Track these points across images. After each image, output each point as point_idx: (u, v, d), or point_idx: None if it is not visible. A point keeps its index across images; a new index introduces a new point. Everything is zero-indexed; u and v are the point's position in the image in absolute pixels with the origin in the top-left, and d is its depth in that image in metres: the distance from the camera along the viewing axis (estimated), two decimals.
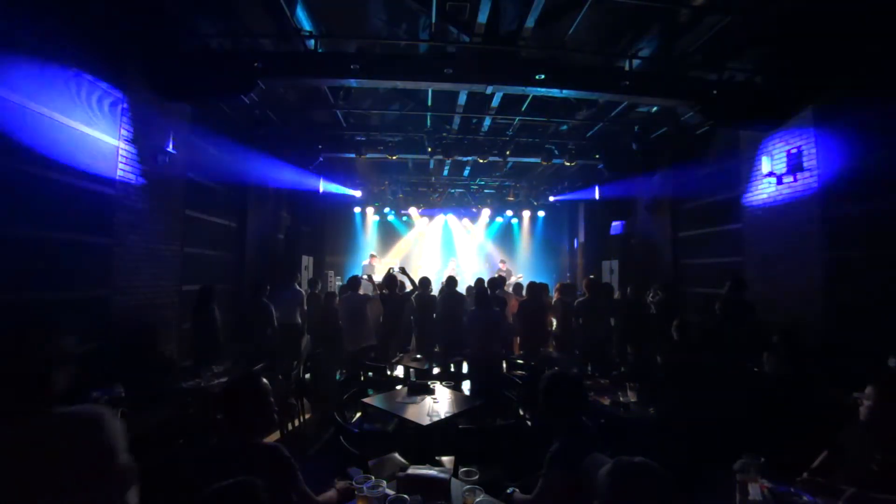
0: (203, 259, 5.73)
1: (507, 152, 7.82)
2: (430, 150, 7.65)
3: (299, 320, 6.18)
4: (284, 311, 5.83)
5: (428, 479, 2.10)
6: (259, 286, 5.16)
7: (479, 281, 6.47)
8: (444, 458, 3.08)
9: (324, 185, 9.05)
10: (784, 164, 4.93)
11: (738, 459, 2.11)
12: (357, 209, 11.99)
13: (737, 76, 5.13)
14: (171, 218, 4.94)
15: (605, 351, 5.44)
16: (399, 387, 4.18)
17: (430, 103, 6.62)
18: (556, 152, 7.96)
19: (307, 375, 5.12)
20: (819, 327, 4.42)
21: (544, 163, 7.94)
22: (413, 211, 12.50)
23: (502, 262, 11.21)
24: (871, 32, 3.94)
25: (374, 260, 10.64)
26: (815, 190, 4.60)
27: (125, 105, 4.16)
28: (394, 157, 7.90)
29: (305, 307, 6.36)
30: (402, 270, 6.44)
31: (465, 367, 5.54)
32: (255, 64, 4.48)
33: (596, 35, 4.98)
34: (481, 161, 8.14)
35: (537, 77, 4.75)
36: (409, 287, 6.16)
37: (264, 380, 1.93)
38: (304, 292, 6.49)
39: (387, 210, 12.28)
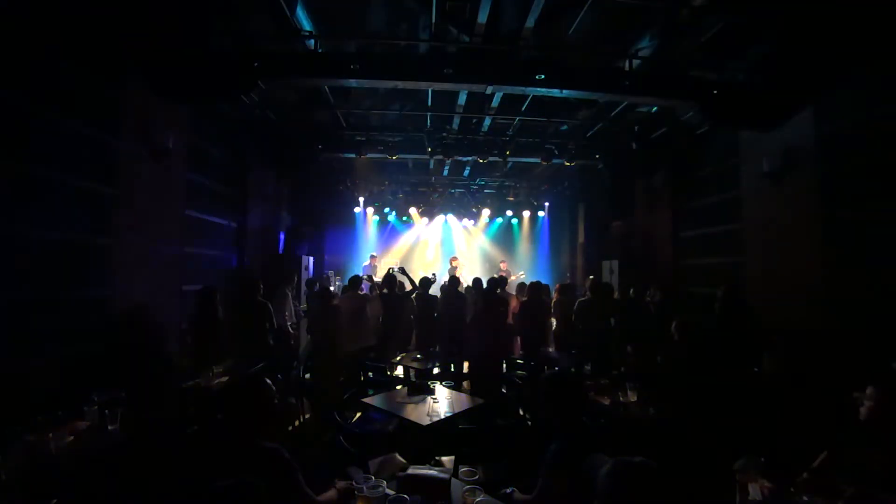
0: (203, 259, 5.73)
1: (507, 152, 7.82)
2: (430, 150, 7.66)
3: (288, 322, 6.19)
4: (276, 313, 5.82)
5: (428, 479, 2.10)
6: (253, 285, 5.15)
7: (480, 280, 6.47)
8: (444, 458, 3.08)
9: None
10: (784, 164, 4.92)
11: (738, 459, 2.11)
12: (357, 209, 11.99)
13: (737, 76, 5.13)
14: (171, 218, 4.94)
15: (605, 351, 5.44)
16: (399, 387, 4.18)
17: (430, 103, 6.62)
18: (556, 152, 7.95)
19: (307, 375, 5.11)
20: (819, 327, 4.42)
21: (544, 163, 7.94)
22: (413, 211, 12.50)
23: (502, 262, 11.22)
24: (871, 32, 3.93)
25: (374, 261, 10.64)
26: (815, 190, 4.60)
27: (125, 105, 4.16)
28: (394, 157, 7.91)
29: (292, 308, 6.38)
30: (402, 270, 6.45)
31: (465, 367, 5.54)
32: (255, 64, 4.47)
33: (596, 35, 4.98)
34: (481, 161, 8.14)
35: (537, 77, 4.75)
36: (408, 287, 6.17)
37: (268, 381, 1.93)
38: (288, 293, 6.50)
39: (387, 210, 12.29)
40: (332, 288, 7.45)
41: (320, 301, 5.46)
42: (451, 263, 10.71)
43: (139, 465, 2.76)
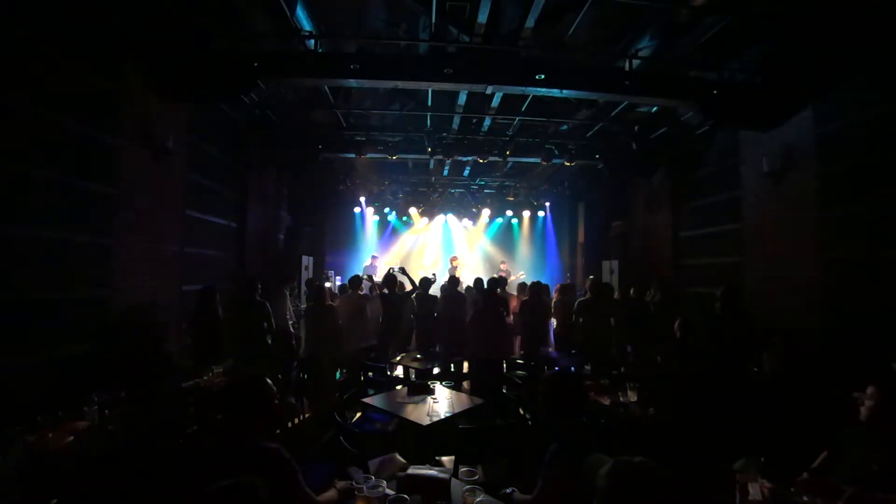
0: (203, 259, 5.72)
1: (507, 152, 7.82)
2: (430, 150, 7.65)
3: (290, 322, 6.19)
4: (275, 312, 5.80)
5: (428, 479, 2.10)
6: (250, 285, 5.13)
7: (480, 281, 6.47)
8: (444, 458, 3.08)
9: None
10: (784, 164, 4.92)
11: (738, 459, 2.11)
12: (357, 209, 12.00)
13: (737, 76, 5.13)
14: (171, 218, 4.94)
15: (605, 351, 5.44)
16: (399, 387, 4.18)
17: (430, 103, 6.62)
18: (556, 152, 7.95)
19: (305, 375, 5.10)
20: (819, 327, 4.42)
21: (544, 163, 7.94)
22: (413, 211, 12.51)
23: (502, 262, 11.22)
24: (870, 32, 3.93)
25: (375, 261, 10.63)
26: (814, 189, 4.60)
27: (125, 105, 4.16)
28: (394, 158, 7.90)
29: (290, 308, 6.38)
30: (402, 270, 6.45)
31: (465, 367, 5.54)
32: (255, 64, 4.47)
33: (596, 35, 4.98)
34: (481, 161, 8.14)
35: (537, 77, 4.75)
36: (408, 287, 6.17)
37: (269, 381, 1.93)
38: (286, 293, 6.49)
39: (387, 210, 12.29)
40: (328, 285, 7.45)
41: (318, 301, 5.46)
42: (451, 263, 10.71)
43: (139, 465, 2.76)
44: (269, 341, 5.09)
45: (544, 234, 12.94)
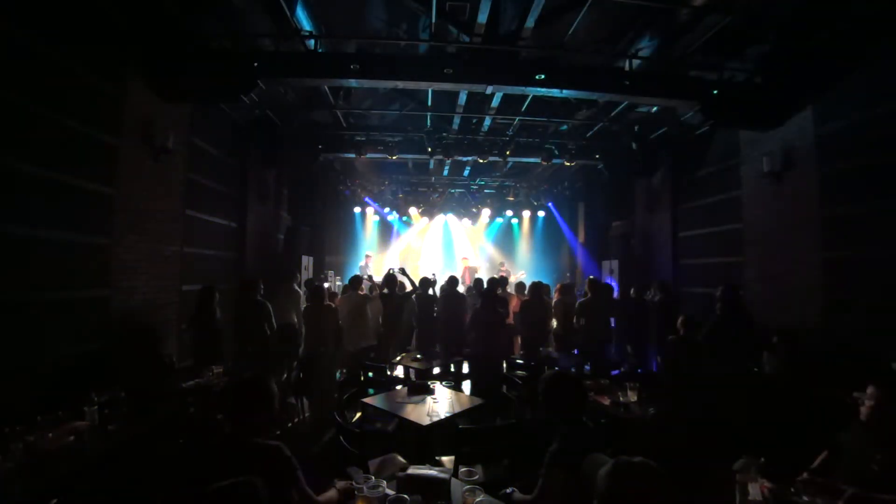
0: (203, 259, 5.72)
1: (507, 152, 7.82)
2: (430, 150, 7.65)
3: (295, 320, 6.16)
4: (280, 311, 5.78)
5: (428, 479, 2.10)
6: (251, 284, 5.12)
7: (480, 281, 6.47)
8: (444, 458, 3.09)
9: None
10: (784, 164, 4.93)
11: (738, 459, 2.12)
12: (357, 209, 12.00)
13: (737, 76, 5.13)
14: (171, 218, 4.94)
15: (605, 351, 5.44)
16: (399, 387, 4.18)
17: (430, 103, 6.62)
18: (556, 152, 7.96)
19: (301, 375, 5.09)
20: (819, 327, 4.42)
21: (544, 163, 7.94)
22: (413, 211, 12.51)
23: (502, 264, 11.23)
24: (869, 32, 3.93)
25: (369, 260, 10.64)
26: (814, 189, 4.60)
27: (125, 105, 4.16)
28: (394, 157, 7.91)
29: (302, 307, 6.33)
30: (402, 271, 6.45)
31: (465, 367, 5.54)
32: (255, 64, 4.47)
33: (595, 35, 4.98)
34: (481, 161, 8.14)
35: (537, 77, 4.75)
36: (409, 287, 6.17)
37: (273, 383, 1.93)
38: (300, 292, 6.46)
39: (387, 210, 12.29)
40: (326, 285, 7.44)
41: (316, 301, 5.45)
42: (462, 263, 10.74)
43: (139, 465, 2.76)
44: (271, 341, 5.07)
45: (544, 234, 12.94)
